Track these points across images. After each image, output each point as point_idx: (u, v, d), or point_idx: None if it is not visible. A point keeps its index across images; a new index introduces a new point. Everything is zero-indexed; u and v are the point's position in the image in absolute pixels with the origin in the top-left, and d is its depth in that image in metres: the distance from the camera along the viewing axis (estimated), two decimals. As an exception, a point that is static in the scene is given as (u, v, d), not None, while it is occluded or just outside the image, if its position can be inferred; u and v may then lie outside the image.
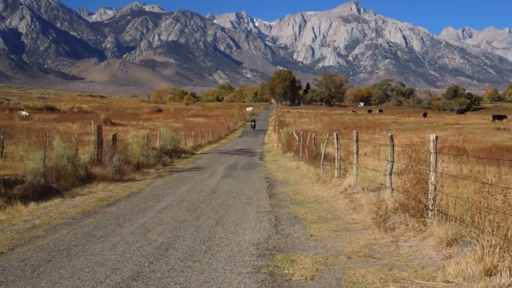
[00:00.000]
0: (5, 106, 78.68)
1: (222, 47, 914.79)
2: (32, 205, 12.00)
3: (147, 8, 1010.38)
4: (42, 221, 10.30)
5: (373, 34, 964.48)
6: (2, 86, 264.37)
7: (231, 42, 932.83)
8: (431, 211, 8.11)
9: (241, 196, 14.24)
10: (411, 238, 8.02)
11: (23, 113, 62.29)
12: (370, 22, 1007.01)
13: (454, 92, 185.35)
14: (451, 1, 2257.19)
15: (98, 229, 9.54)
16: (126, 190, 15.63)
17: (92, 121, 23.86)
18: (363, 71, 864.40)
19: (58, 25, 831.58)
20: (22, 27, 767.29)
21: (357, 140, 14.53)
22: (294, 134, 34.50)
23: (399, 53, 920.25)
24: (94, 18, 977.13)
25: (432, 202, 8.12)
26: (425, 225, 8.08)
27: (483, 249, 5.98)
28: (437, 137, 8.31)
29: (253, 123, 77.80)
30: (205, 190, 15.62)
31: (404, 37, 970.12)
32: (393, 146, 10.77)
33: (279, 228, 9.65)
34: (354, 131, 15.02)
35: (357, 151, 14.55)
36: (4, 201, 11.94)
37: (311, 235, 8.96)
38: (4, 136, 16.25)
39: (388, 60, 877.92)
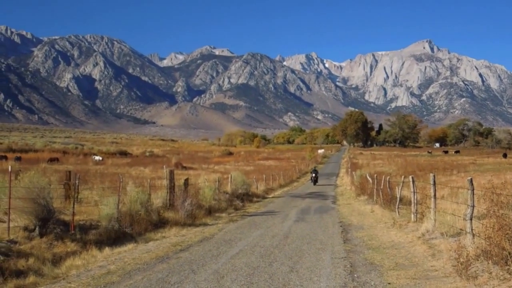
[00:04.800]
0: (79, 151, 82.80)
1: (292, 89, 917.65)
2: (107, 250, 12.24)
3: (216, 52, 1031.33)
4: (117, 267, 10.49)
5: (448, 73, 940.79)
6: (77, 131, 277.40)
7: (301, 84, 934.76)
8: (517, 259, 7.71)
9: (314, 241, 14.03)
10: (495, 287, 7.64)
11: (97, 158, 64.60)
12: (444, 60, 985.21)
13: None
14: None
15: (172, 275, 9.61)
16: (198, 235, 15.70)
17: (164, 166, 24.48)
18: (438, 110, 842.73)
19: (130, 70, 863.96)
20: (96, 74, 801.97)
21: (434, 183, 14.08)
22: (368, 177, 33.95)
23: (475, 91, 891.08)
24: (165, 63, 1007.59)
25: (517, 249, 7.73)
26: (509, 274, 7.69)
27: None
28: (520, 181, 7.94)
29: (313, 175, 51.07)
30: (278, 235, 15.48)
31: (480, 75, 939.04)
32: (473, 190, 10.39)
33: (355, 275, 9.43)
34: (431, 174, 14.59)
35: (435, 195, 14.06)
36: (80, 246, 12.23)
37: (389, 283, 8.71)
38: (79, 181, 16.89)
39: (464, 99, 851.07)
